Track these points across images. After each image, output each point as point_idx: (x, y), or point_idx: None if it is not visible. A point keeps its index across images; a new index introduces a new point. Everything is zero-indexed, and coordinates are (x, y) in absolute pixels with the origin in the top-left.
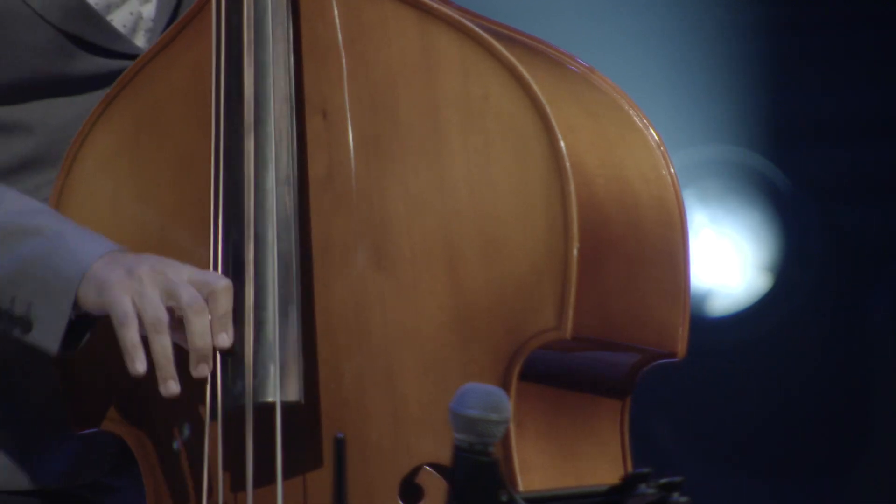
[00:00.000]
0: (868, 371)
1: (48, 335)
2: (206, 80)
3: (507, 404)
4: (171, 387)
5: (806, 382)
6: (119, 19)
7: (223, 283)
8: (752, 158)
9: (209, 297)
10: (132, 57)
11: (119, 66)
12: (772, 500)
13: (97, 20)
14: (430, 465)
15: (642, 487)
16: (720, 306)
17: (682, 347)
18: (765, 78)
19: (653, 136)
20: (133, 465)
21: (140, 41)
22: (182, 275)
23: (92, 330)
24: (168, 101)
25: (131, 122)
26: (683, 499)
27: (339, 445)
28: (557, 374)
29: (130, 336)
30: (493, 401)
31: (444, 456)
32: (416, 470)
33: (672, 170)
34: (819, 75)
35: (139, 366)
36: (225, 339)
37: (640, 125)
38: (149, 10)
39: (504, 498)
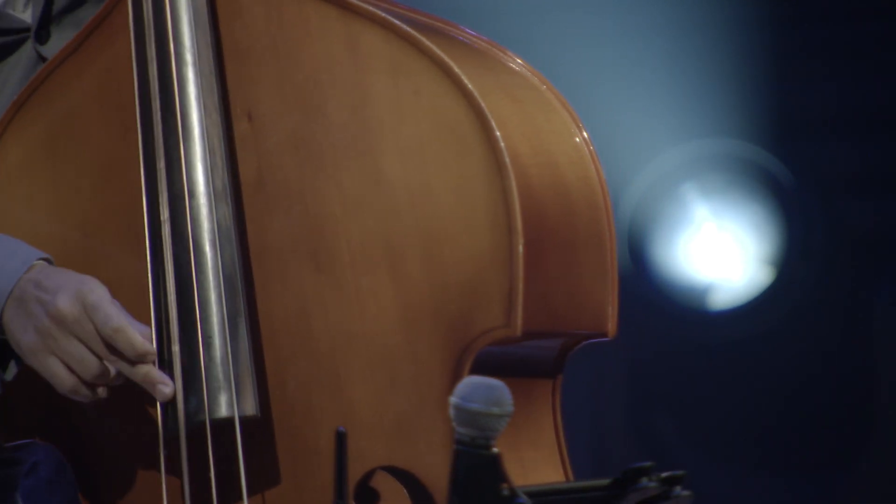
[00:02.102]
0: (872, 365)
1: None
2: (121, 85)
3: (509, 398)
4: (163, 391)
5: (809, 377)
6: None
7: (109, 328)
8: (754, 152)
9: (109, 335)
10: (17, 31)
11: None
12: (774, 494)
13: None
14: (384, 467)
15: (644, 481)
16: (722, 300)
17: (612, 326)
18: (767, 72)
19: (570, 115)
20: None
21: (19, 9)
22: (75, 310)
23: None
24: (82, 106)
25: (44, 129)
26: (686, 493)
27: (340, 439)
28: (503, 364)
29: (84, 394)
30: (495, 395)
31: (398, 458)
32: (371, 473)
33: (591, 147)
34: (822, 69)
35: (102, 394)
36: (164, 390)
37: (558, 105)
38: None
39: (506, 492)
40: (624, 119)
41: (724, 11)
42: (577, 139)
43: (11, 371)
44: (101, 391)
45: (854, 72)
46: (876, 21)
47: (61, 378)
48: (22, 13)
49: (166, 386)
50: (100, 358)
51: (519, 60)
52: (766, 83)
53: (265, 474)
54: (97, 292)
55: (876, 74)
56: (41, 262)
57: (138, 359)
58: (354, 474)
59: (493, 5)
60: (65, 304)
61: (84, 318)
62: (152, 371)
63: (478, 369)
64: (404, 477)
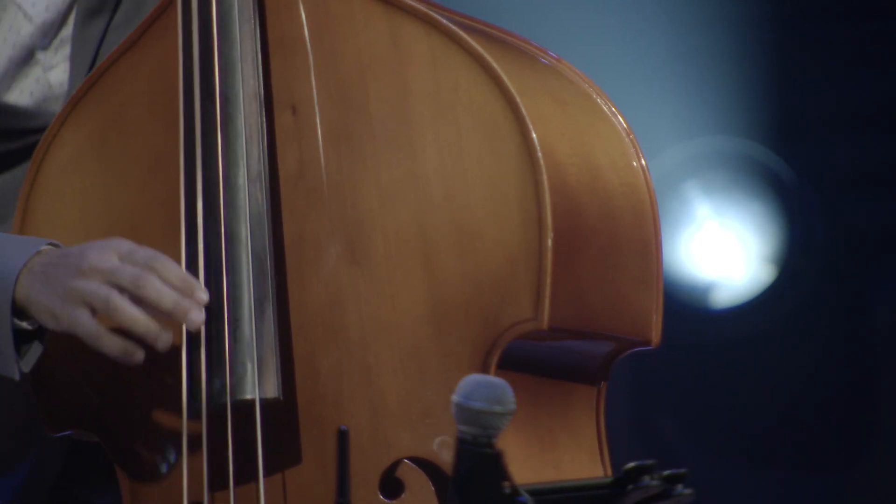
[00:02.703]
0: (873, 363)
1: (4, 362)
2: (172, 79)
3: (511, 396)
4: (195, 317)
5: (810, 375)
6: (26, 86)
7: (149, 254)
8: (756, 150)
9: (152, 268)
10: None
11: (37, 140)
12: (776, 492)
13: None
14: (410, 458)
15: (646, 479)
16: (724, 298)
17: (656, 335)
18: (769, 69)
19: (621, 125)
20: (112, 480)
21: (59, 107)
22: (112, 259)
23: (44, 338)
24: (135, 100)
25: (98, 122)
26: (687, 491)
27: (342, 437)
28: (536, 362)
29: (112, 345)
30: (498, 393)
31: (424, 449)
32: (396, 464)
33: (642, 158)
34: (824, 67)
35: (138, 357)
36: (196, 317)
37: (609, 114)
38: (58, 77)
39: (507, 490)
40: (626, 116)
41: (726, 9)
42: (627, 149)
43: (34, 356)
44: (139, 354)
45: (856, 70)
46: (877, 19)
47: (87, 326)
48: None
49: (198, 312)
50: (133, 300)
51: (577, 71)
52: (768, 81)
53: (286, 456)
54: (126, 242)
55: (877, 72)
56: (49, 247)
57: (182, 284)
58: (380, 465)
59: (495, 4)
60: (97, 253)
61: (116, 263)
62: (181, 300)
63: (509, 365)
64: (430, 469)
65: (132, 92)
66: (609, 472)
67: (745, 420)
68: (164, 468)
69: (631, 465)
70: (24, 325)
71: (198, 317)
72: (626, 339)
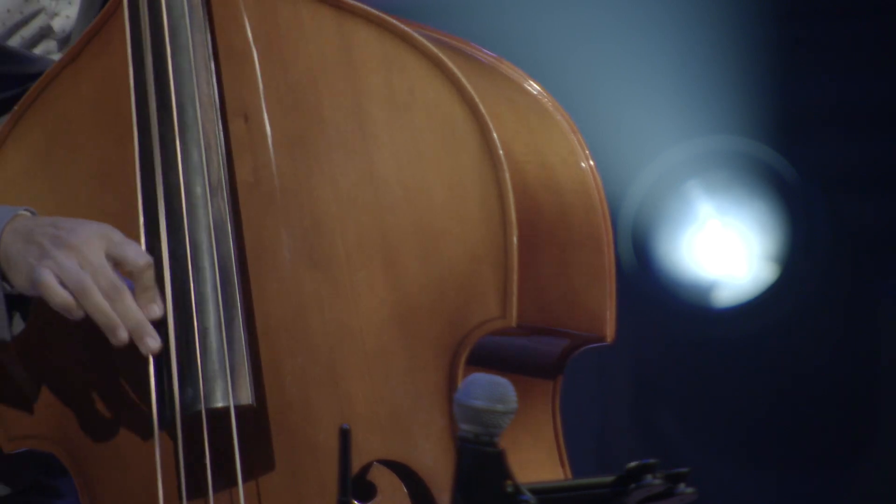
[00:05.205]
0: (875, 362)
1: None
2: (118, 92)
3: (513, 395)
4: (150, 344)
5: (812, 374)
6: (27, 32)
7: (143, 261)
8: (758, 149)
9: (134, 276)
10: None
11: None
12: (778, 491)
13: (11, 55)
14: (381, 461)
15: (648, 478)
16: (726, 297)
17: (610, 331)
18: (772, 68)
19: (566, 121)
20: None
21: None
22: (100, 255)
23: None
24: (79, 114)
25: (42, 138)
26: (689, 490)
27: (344, 436)
28: (495, 358)
29: (61, 298)
30: (499, 392)
31: (394, 452)
32: (367, 467)
33: (588, 153)
34: (826, 65)
35: (77, 314)
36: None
37: (553, 111)
38: (61, 25)
39: (510, 489)
40: (628, 116)
41: (728, 8)
42: (574, 145)
43: (17, 325)
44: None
45: (858, 68)
46: (880, 17)
47: (49, 282)
48: None
49: (154, 340)
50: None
51: (518, 70)
52: (770, 80)
53: (260, 463)
54: (118, 234)
55: (880, 71)
56: (26, 212)
57: (140, 270)
58: (351, 468)
59: (497, 3)
60: (87, 238)
61: (102, 261)
62: (145, 324)
63: (473, 363)
64: (401, 470)
65: (77, 106)
66: (567, 469)
67: (747, 419)
68: (127, 482)
69: (633, 463)
70: (7, 287)
71: (153, 344)
72: (581, 335)
